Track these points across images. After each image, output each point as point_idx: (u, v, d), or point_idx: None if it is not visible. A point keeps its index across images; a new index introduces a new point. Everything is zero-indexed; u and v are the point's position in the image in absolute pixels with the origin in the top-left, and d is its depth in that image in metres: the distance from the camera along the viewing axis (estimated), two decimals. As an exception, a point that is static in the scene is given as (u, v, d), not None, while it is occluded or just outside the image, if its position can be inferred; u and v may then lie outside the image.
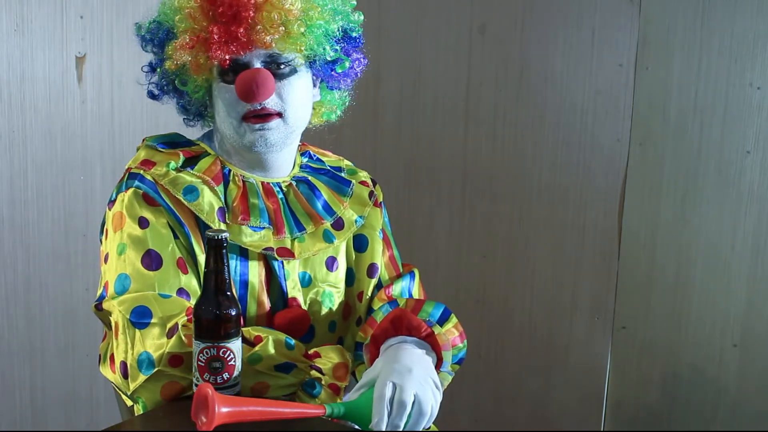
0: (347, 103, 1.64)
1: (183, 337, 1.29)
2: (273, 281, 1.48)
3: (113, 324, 1.37)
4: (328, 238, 1.53)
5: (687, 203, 2.33)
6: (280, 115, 1.45)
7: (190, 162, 1.49)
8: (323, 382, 1.35)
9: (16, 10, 2.25)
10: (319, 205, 1.55)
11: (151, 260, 1.38)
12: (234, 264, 1.44)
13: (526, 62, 2.54)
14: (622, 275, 2.45)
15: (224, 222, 1.44)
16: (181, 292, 1.38)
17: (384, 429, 1.21)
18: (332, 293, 1.55)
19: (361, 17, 1.55)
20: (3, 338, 2.35)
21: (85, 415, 2.53)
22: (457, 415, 2.75)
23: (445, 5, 2.65)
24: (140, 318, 1.33)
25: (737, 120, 2.24)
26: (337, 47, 1.51)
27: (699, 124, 2.29)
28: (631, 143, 2.39)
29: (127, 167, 1.48)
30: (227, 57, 1.40)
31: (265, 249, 1.45)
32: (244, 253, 1.46)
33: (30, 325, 2.39)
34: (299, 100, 1.47)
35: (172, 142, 1.52)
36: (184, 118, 1.60)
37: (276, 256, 1.45)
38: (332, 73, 1.53)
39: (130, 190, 1.43)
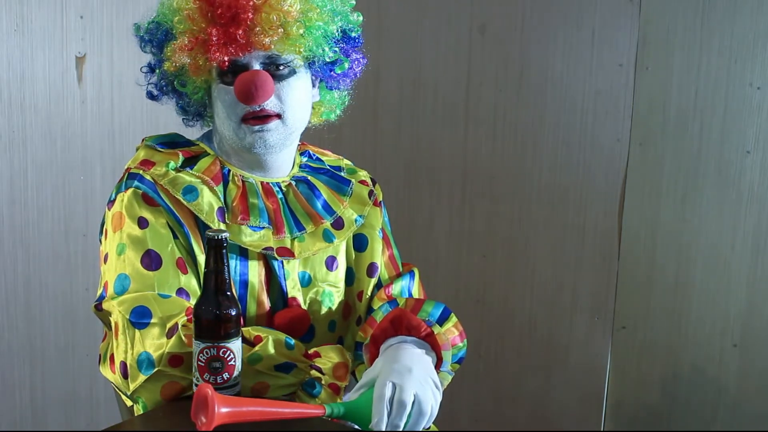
0: (346, 103, 1.64)
1: (183, 337, 1.29)
2: (273, 281, 1.48)
3: (113, 324, 1.37)
4: (327, 238, 1.53)
5: (687, 203, 2.33)
6: (279, 116, 1.45)
7: (190, 162, 1.49)
8: (323, 382, 1.35)
9: (16, 10, 2.25)
10: (319, 204, 1.55)
11: (151, 260, 1.38)
12: (234, 264, 1.44)
13: (526, 62, 2.54)
14: (622, 275, 2.45)
15: (224, 222, 1.44)
16: (181, 292, 1.38)
17: (384, 429, 1.21)
18: (332, 293, 1.55)
19: (360, 18, 1.55)
20: (3, 338, 2.35)
21: (85, 415, 2.53)
22: (457, 415, 2.75)
23: (445, 5, 2.65)
24: (140, 318, 1.33)
25: (737, 120, 2.24)
26: (336, 48, 1.51)
27: (699, 124, 2.29)
28: (631, 143, 2.39)
29: (126, 167, 1.48)
30: (226, 59, 1.40)
31: (265, 249, 1.45)
32: (243, 253, 1.46)
33: (30, 325, 2.39)
34: (298, 101, 1.47)
35: (172, 142, 1.52)
36: (183, 119, 1.60)
37: (276, 255, 1.45)
38: (331, 73, 1.53)
39: (130, 190, 1.43)
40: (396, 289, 1.60)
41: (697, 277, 2.34)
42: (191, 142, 1.54)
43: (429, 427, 1.28)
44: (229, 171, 1.50)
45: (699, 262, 2.33)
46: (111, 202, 1.46)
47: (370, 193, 1.64)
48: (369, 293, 1.59)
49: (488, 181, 2.65)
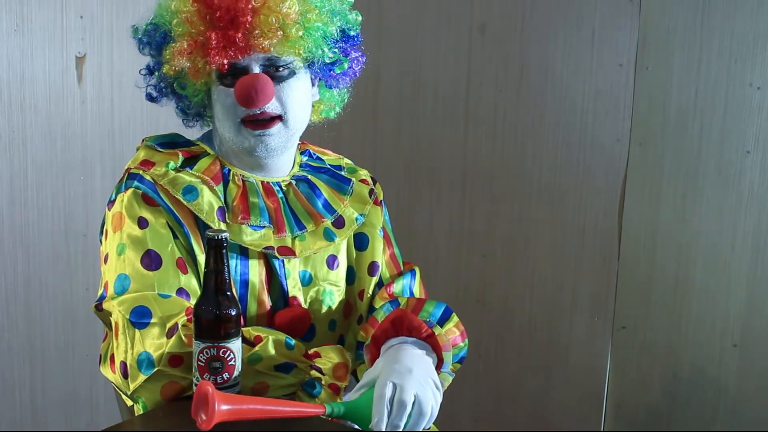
0: (346, 100, 1.64)
1: (183, 337, 1.29)
2: (273, 280, 1.48)
3: (113, 324, 1.37)
4: (328, 237, 1.53)
5: (687, 203, 2.33)
6: (280, 117, 1.45)
7: (190, 162, 1.49)
8: (323, 382, 1.35)
9: (16, 10, 2.25)
10: (320, 203, 1.55)
11: (151, 260, 1.38)
12: (234, 263, 1.44)
13: (526, 62, 2.54)
14: (622, 275, 2.45)
15: (224, 222, 1.44)
16: (181, 292, 1.38)
17: (384, 429, 1.21)
18: (333, 291, 1.55)
19: (360, 17, 1.54)
20: (3, 338, 2.35)
21: (85, 415, 2.53)
22: (457, 415, 2.75)
23: (445, 5, 2.65)
24: (140, 318, 1.33)
25: (737, 120, 2.24)
26: (336, 48, 1.51)
27: (699, 124, 2.29)
28: (631, 143, 2.39)
29: (126, 167, 1.48)
30: (225, 62, 1.40)
31: (266, 248, 1.45)
32: (244, 253, 1.46)
33: (30, 325, 2.39)
34: (299, 102, 1.47)
35: (172, 142, 1.52)
36: (183, 120, 1.60)
37: (277, 254, 1.45)
38: (331, 73, 1.53)
39: (130, 191, 1.43)
40: (397, 287, 1.60)
41: (697, 277, 2.34)
42: (191, 142, 1.54)
43: (429, 428, 1.28)
44: (229, 171, 1.50)
45: (699, 262, 2.33)
46: (111, 202, 1.46)
47: (371, 192, 1.64)
48: (370, 292, 1.59)
49: (488, 181, 2.65)
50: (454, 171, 2.71)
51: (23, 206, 2.34)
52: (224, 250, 1.23)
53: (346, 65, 1.54)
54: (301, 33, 1.42)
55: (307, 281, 1.52)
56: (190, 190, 1.43)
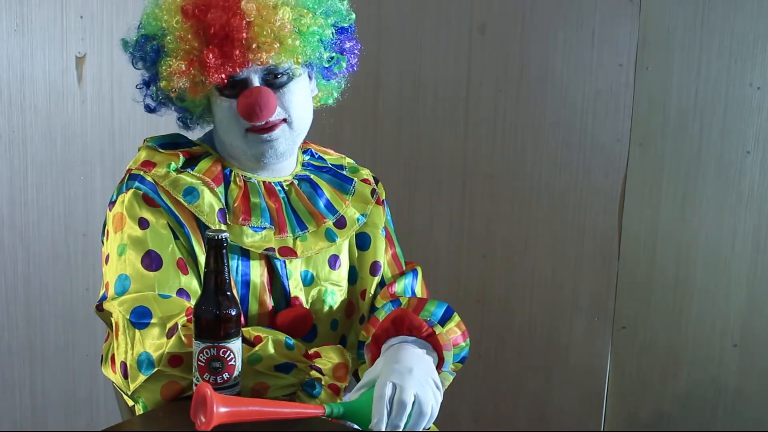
0: (343, 86, 1.62)
1: (183, 337, 1.29)
2: (275, 281, 1.48)
3: (114, 324, 1.37)
4: (330, 237, 1.53)
5: (687, 203, 2.33)
6: (284, 120, 1.45)
7: (191, 163, 1.48)
8: (323, 383, 1.35)
9: (16, 10, 2.25)
10: (321, 203, 1.55)
11: (151, 261, 1.38)
12: (236, 264, 1.44)
13: (526, 62, 2.54)
14: (622, 275, 2.45)
15: (225, 223, 1.44)
16: (181, 292, 1.38)
17: (384, 429, 1.21)
18: (334, 291, 1.55)
19: (352, 15, 1.53)
20: (3, 338, 2.35)
21: (85, 415, 2.53)
22: (457, 415, 2.75)
23: (445, 5, 2.65)
24: (140, 318, 1.33)
25: (737, 120, 2.24)
26: (332, 46, 1.50)
27: (699, 124, 2.29)
28: (631, 143, 2.39)
29: (127, 168, 1.48)
30: (224, 76, 1.40)
31: (267, 249, 1.45)
32: (245, 253, 1.46)
33: (30, 325, 2.39)
34: (301, 104, 1.47)
35: (173, 143, 1.52)
36: (182, 127, 1.59)
37: (278, 255, 1.45)
38: (329, 71, 1.54)
39: (130, 191, 1.43)
40: (399, 287, 1.60)
41: (697, 277, 2.34)
42: (192, 143, 1.54)
43: (429, 428, 1.28)
44: (230, 171, 1.50)
45: (699, 262, 2.33)
46: (112, 203, 1.46)
47: (373, 192, 1.64)
48: (372, 292, 1.59)
49: (488, 181, 2.65)
50: (454, 171, 2.70)
51: (23, 206, 2.34)
52: (224, 250, 1.24)
53: (344, 64, 1.54)
54: (297, 42, 1.41)
55: (309, 281, 1.52)
56: (191, 192, 1.43)
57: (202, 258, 1.41)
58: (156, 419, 1.27)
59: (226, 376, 1.23)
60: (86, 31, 2.39)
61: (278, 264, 1.47)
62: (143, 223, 1.40)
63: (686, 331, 2.37)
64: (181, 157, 1.47)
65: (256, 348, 1.32)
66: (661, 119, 2.34)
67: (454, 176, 2.71)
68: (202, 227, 1.43)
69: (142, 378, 1.30)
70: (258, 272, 1.46)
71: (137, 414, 1.36)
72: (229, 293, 1.24)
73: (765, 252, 2.24)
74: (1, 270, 2.32)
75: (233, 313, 1.24)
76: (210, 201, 1.44)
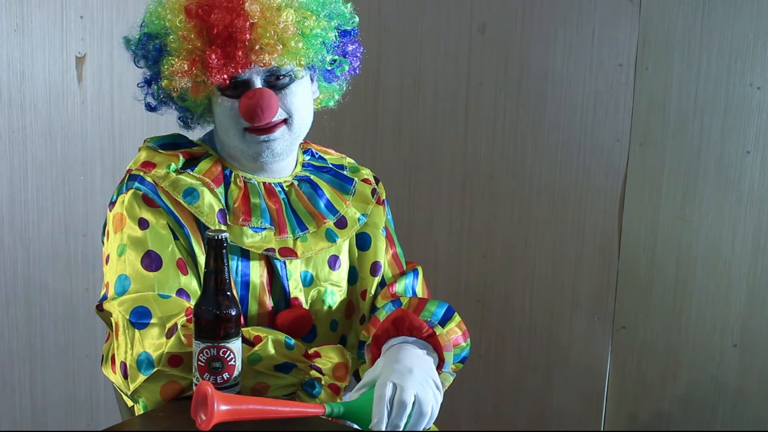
0: (345, 89, 1.63)
1: (182, 337, 1.29)
2: (275, 281, 1.48)
3: (113, 324, 1.37)
4: (330, 237, 1.53)
5: (687, 203, 2.33)
6: (285, 121, 1.45)
7: (191, 163, 1.48)
8: (323, 382, 1.35)
9: (16, 10, 2.25)
10: (322, 203, 1.55)
11: (151, 261, 1.38)
12: (235, 264, 1.44)
13: (526, 62, 2.54)
14: (622, 275, 2.45)
15: (225, 224, 1.44)
16: (181, 292, 1.38)
17: (384, 429, 1.21)
18: (334, 291, 1.55)
19: (356, 18, 1.53)
20: (3, 338, 2.35)
21: (85, 415, 2.53)
22: (457, 415, 2.75)
23: (445, 5, 2.65)
24: (140, 318, 1.33)
25: (737, 120, 2.24)
26: (335, 49, 1.50)
27: (699, 124, 2.29)
28: (631, 143, 2.39)
29: (127, 169, 1.49)
30: (226, 76, 1.40)
31: (267, 250, 1.45)
32: (245, 254, 1.46)
33: (30, 325, 2.39)
34: (302, 106, 1.47)
35: (173, 143, 1.52)
36: (183, 127, 1.59)
37: (278, 256, 1.45)
38: (331, 73, 1.54)
39: (130, 192, 1.43)
40: (400, 287, 1.60)
41: (697, 277, 2.34)
42: (193, 143, 1.54)
43: (429, 428, 1.28)
44: (231, 172, 1.50)
45: (699, 262, 2.33)
46: (112, 203, 1.46)
47: (373, 192, 1.64)
48: (372, 292, 1.59)
49: (488, 181, 2.65)
50: (454, 171, 2.71)
51: (23, 206, 2.34)
52: (224, 250, 1.24)
53: (346, 67, 1.54)
54: (300, 44, 1.41)
55: (309, 282, 1.52)
56: (191, 193, 1.43)
57: (201, 258, 1.41)
58: (156, 419, 1.27)
59: (226, 376, 1.23)
60: (86, 31, 2.39)
61: (278, 264, 1.47)
62: (143, 224, 1.40)
63: (686, 331, 2.37)
64: (181, 157, 1.47)
65: (256, 348, 1.32)
66: (661, 119, 2.34)
67: (454, 176, 2.71)
68: (201, 228, 1.43)
69: (141, 378, 1.30)
70: (258, 273, 1.46)
71: (137, 414, 1.36)
72: (229, 293, 1.24)
73: (765, 252, 2.24)
74: (1, 270, 2.32)
75: (233, 313, 1.24)
76: (210, 202, 1.44)
